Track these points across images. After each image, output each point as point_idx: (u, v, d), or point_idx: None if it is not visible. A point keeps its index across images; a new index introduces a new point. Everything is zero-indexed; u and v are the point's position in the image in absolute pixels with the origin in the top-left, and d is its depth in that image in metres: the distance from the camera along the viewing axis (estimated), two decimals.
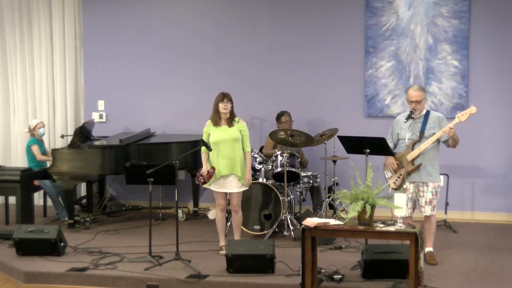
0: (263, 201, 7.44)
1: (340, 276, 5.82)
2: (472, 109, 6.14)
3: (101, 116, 9.28)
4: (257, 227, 7.42)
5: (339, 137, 6.85)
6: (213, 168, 6.56)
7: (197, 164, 7.91)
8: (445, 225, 7.77)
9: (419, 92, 6.26)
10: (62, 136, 9.06)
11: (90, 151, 7.88)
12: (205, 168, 6.61)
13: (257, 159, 7.79)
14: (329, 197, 7.57)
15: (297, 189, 7.94)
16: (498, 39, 8.14)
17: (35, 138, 8.32)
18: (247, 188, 6.77)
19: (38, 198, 9.03)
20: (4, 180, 7.46)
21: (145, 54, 9.11)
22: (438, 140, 6.28)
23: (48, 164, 8.07)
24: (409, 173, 6.27)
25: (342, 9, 8.53)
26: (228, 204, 6.87)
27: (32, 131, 8.31)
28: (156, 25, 9.07)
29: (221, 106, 6.59)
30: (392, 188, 6.39)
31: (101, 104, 9.28)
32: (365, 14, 8.43)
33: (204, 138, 6.63)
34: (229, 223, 7.27)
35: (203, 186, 6.69)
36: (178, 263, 6.29)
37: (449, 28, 8.21)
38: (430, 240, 6.41)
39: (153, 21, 9.07)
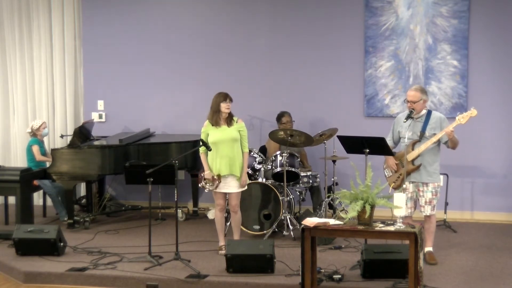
0: (262, 201, 7.44)
1: (339, 276, 5.82)
2: (473, 112, 6.11)
3: (100, 116, 9.27)
4: (257, 227, 7.42)
5: (339, 137, 6.85)
6: (219, 177, 6.55)
7: (197, 164, 7.93)
8: (444, 225, 7.76)
9: (414, 92, 6.25)
10: (62, 136, 9.06)
11: (90, 151, 7.87)
12: (208, 173, 6.59)
13: (257, 159, 7.78)
14: (328, 197, 7.57)
15: (296, 189, 7.94)
16: (497, 39, 8.13)
17: (37, 139, 8.33)
18: (246, 188, 6.77)
19: (37, 198, 9.02)
20: (3, 180, 7.45)
21: (144, 53, 9.10)
22: (438, 141, 6.28)
23: (48, 164, 8.07)
24: (408, 173, 6.27)
25: (342, 9, 8.53)
26: (227, 204, 6.87)
27: (35, 131, 8.31)
28: (155, 25, 9.06)
29: (224, 106, 6.57)
30: (392, 188, 6.39)
31: (100, 104, 9.28)
32: (364, 14, 8.42)
33: (203, 138, 6.63)
34: (228, 223, 7.26)
35: (206, 190, 6.70)
36: (177, 263, 6.28)
37: (449, 28, 8.21)
38: (430, 240, 6.41)
39: (153, 21, 9.07)
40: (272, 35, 8.75)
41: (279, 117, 8.19)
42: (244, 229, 7.25)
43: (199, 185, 6.74)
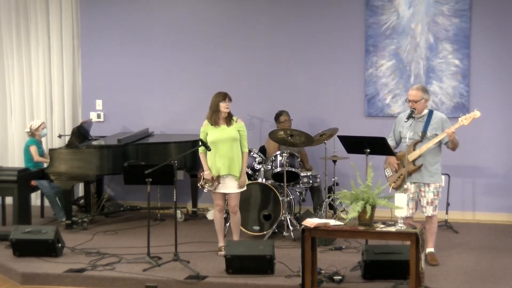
0: (262, 202, 7.40)
1: (340, 277, 5.79)
2: (476, 114, 6.08)
3: (99, 116, 9.24)
4: (257, 227, 7.38)
5: (339, 136, 6.81)
6: (218, 178, 6.51)
7: (196, 164, 7.88)
8: (446, 226, 7.73)
9: (415, 92, 6.21)
10: (60, 136, 9.03)
11: (88, 151, 7.83)
12: (208, 173, 6.55)
13: (257, 159, 7.74)
14: (329, 197, 7.53)
15: (296, 189, 7.90)
16: (499, 38, 8.10)
17: (35, 139, 8.28)
18: (245, 189, 6.72)
19: (35, 199, 8.98)
20: (1, 180, 7.42)
21: (143, 53, 9.07)
22: (439, 141, 6.24)
23: (46, 165, 8.02)
24: (410, 173, 6.23)
25: (342, 8, 8.50)
26: (227, 204, 6.82)
27: (34, 131, 8.27)
28: (154, 25, 9.03)
29: (223, 105, 6.54)
30: (392, 188, 6.35)
31: (99, 104, 9.25)
32: (365, 13, 8.39)
33: (202, 137, 6.59)
34: (228, 224, 7.22)
35: (205, 190, 6.66)
36: (177, 263, 6.25)
37: (450, 27, 8.17)
38: (431, 240, 6.37)
39: (152, 21, 9.03)
40: (272, 35, 8.71)
41: (277, 116, 8.16)
42: (243, 229, 7.21)
43: (198, 184, 6.71)
